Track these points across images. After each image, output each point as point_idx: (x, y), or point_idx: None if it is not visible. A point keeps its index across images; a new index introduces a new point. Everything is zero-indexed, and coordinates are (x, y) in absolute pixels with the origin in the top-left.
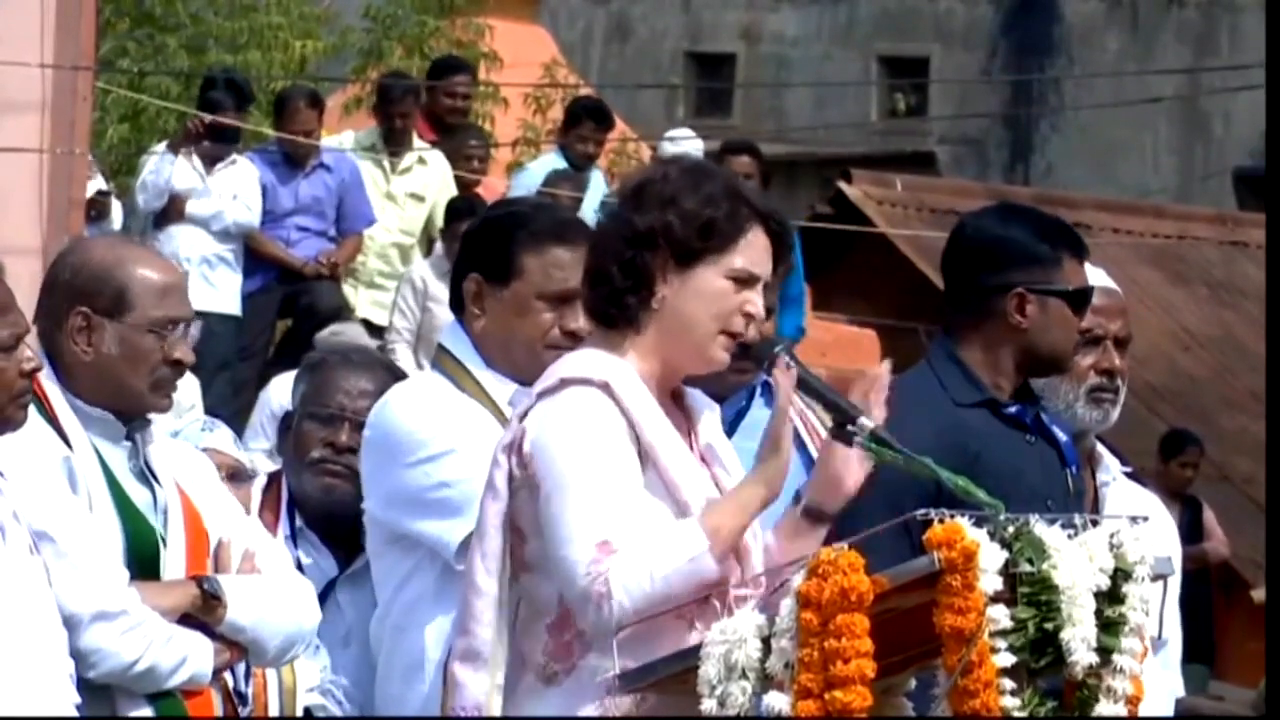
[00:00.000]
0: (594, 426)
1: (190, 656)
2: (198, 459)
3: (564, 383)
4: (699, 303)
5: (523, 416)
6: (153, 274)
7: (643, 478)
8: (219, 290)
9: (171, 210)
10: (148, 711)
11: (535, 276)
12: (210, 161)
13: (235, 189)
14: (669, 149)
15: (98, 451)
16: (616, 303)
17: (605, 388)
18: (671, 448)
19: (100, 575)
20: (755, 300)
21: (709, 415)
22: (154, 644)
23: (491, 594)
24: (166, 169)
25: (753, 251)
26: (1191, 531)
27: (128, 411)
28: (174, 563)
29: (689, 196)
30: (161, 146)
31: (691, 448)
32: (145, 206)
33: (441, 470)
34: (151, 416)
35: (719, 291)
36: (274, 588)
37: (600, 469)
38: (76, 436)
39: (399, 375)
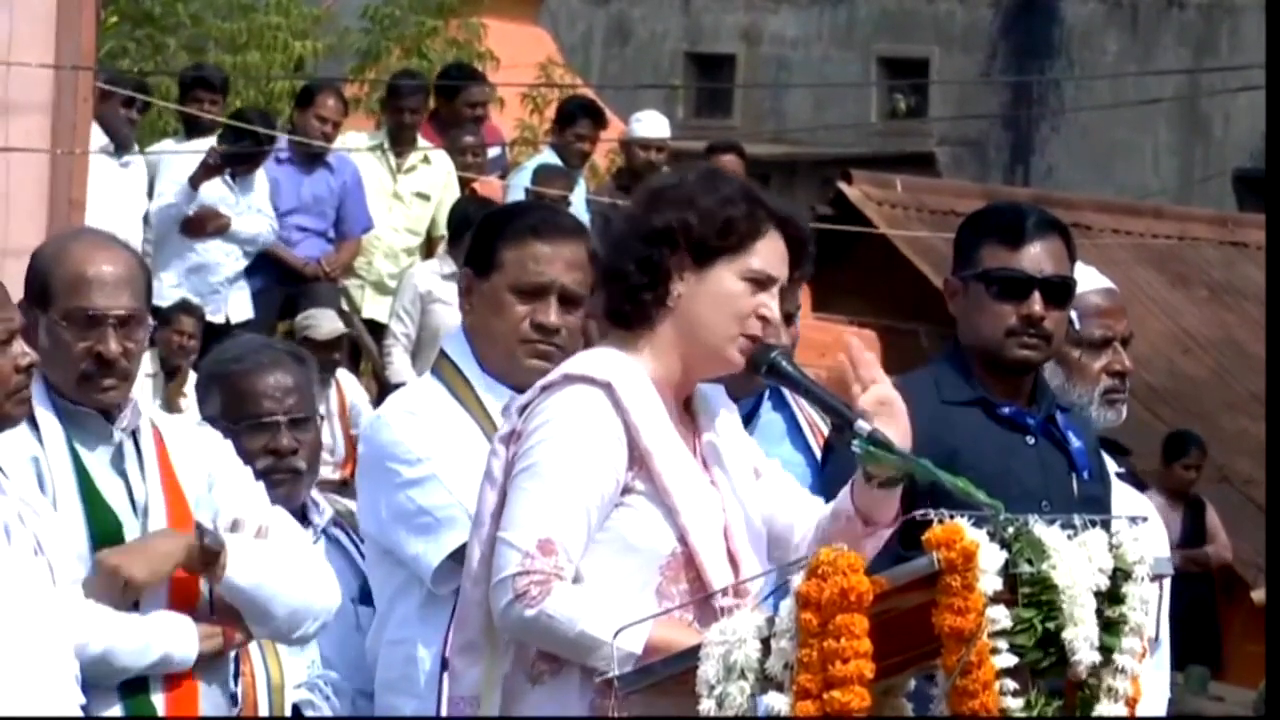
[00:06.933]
0: (580, 427)
1: (157, 638)
2: (215, 450)
3: (567, 379)
4: (715, 303)
5: (523, 408)
6: (78, 265)
7: (632, 480)
8: (235, 299)
9: (200, 224)
10: (118, 710)
11: (511, 269)
12: (235, 175)
13: (258, 202)
14: (636, 130)
15: (72, 448)
16: (633, 299)
17: (608, 388)
18: (670, 453)
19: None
20: (770, 304)
21: (722, 415)
22: (103, 632)
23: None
24: (185, 204)
25: (769, 254)
26: (1194, 534)
27: (83, 405)
28: None
29: (707, 197)
30: (181, 178)
31: (695, 450)
32: (158, 229)
33: (424, 495)
34: (143, 411)
35: (735, 292)
36: (284, 557)
37: (569, 471)
38: (51, 432)
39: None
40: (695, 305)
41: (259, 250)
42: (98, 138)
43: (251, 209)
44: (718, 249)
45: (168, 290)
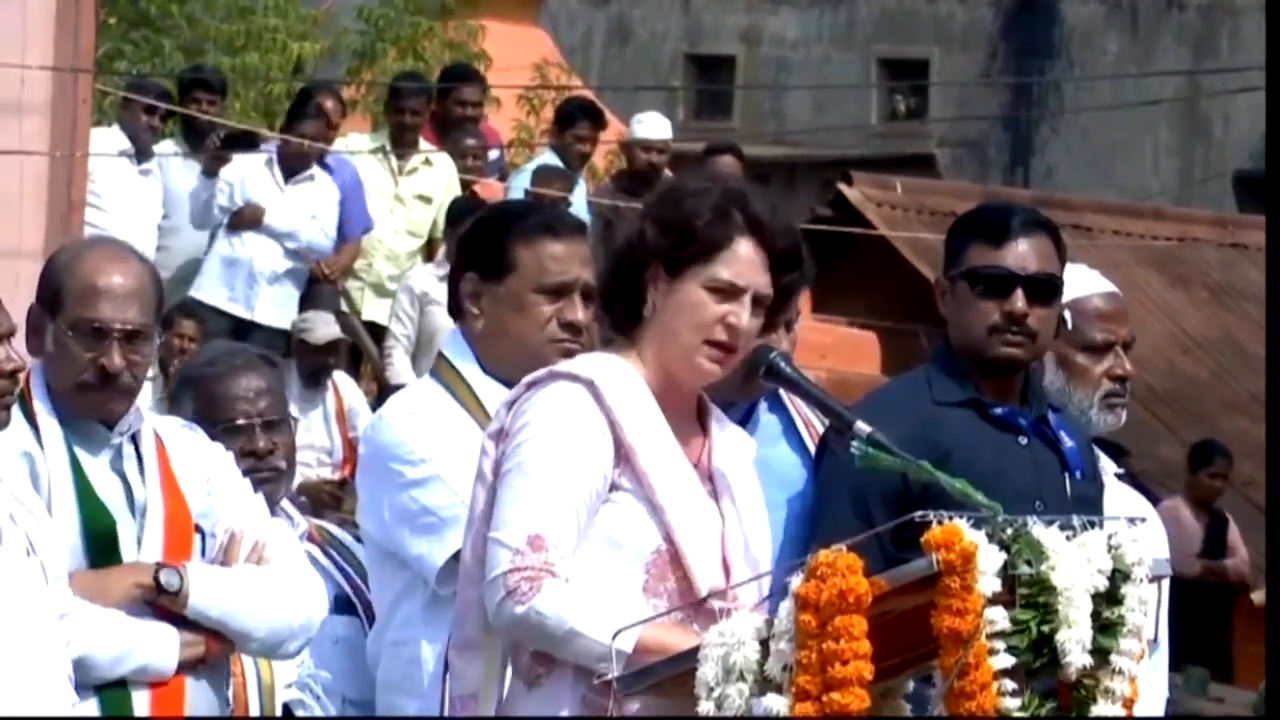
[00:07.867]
0: (565, 423)
1: (137, 648)
2: (215, 456)
3: (552, 375)
4: (679, 314)
5: (511, 405)
6: (90, 275)
7: (618, 477)
8: (278, 307)
9: (242, 218)
10: (93, 705)
11: (530, 270)
12: (288, 173)
13: (314, 208)
14: (638, 131)
15: (70, 449)
16: (610, 311)
17: (590, 384)
18: (657, 452)
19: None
20: (739, 311)
21: (738, 444)
22: (83, 635)
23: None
24: (204, 192)
25: (738, 264)
26: (1215, 545)
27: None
28: (149, 560)
29: (672, 207)
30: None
31: (699, 462)
32: (196, 226)
33: (427, 495)
34: (145, 416)
35: (697, 303)
36: (262, 578)
37: (555, 468)
38: (50, 432)
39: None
40: (665, 316)
41: (303, 250)
42: (119, 142)
43: (303, 212)
44: (684, 260)
45: (207, 284)
